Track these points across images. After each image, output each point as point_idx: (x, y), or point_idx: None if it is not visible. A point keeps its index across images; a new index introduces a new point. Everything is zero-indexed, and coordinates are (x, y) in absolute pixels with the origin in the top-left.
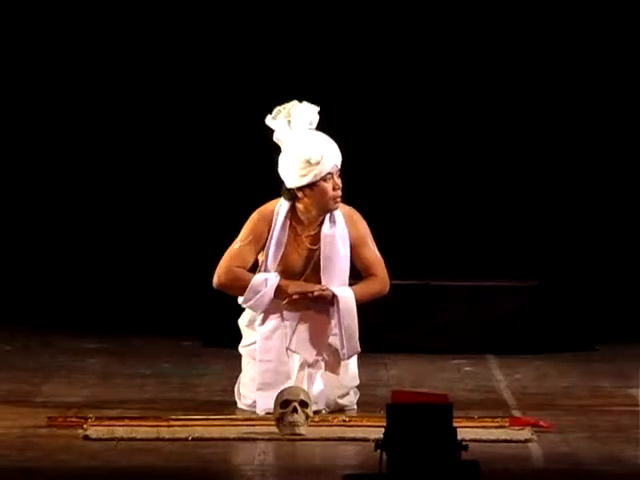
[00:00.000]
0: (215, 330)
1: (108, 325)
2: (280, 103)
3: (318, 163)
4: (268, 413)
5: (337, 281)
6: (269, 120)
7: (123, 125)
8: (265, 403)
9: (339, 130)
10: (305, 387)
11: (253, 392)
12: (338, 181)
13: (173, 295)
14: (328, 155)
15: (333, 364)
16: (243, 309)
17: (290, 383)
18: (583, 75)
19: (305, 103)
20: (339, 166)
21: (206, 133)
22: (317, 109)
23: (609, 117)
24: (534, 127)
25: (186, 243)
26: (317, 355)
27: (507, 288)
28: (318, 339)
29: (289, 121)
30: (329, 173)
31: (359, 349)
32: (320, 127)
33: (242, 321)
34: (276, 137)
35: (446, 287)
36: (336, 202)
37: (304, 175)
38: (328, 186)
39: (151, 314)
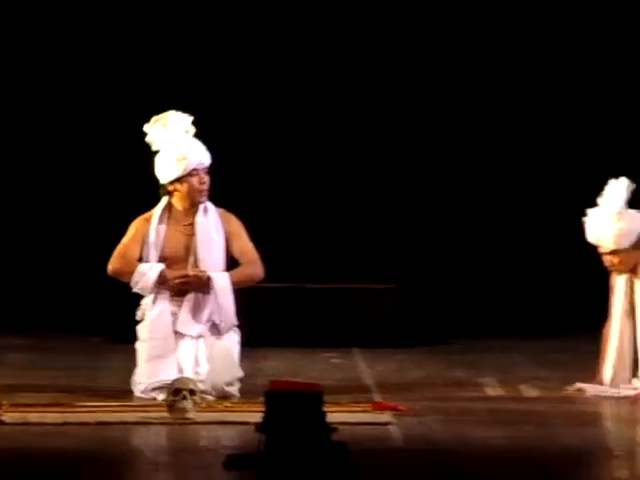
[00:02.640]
0: (120, 328)
1: (27, 323)
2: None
3: (184, 159)
4: (156, 389)
5: (213, 264)
6: (147, 126)
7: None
8: (153, 375)
9: (218, 144)
10: (191, 359)
11: (146, 378)
12: (205, 177)
13: (84, 296)
14: (192, 153)
15: (214, 337)
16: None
17: (175, 356)
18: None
19: (180, 113)
20: (205, 164)
21: (99, 147)
22: (191, 118)
23: (460, 123)
24: (388, 134)
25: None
26: (200, 331)
27: (371, 290)
28: (199, 318)
29: (165, 127)
30: (195, 169)
31: (235, 322)
32: (205, 141)
33: (140, 324)
34: (149, 139)
35: (318, 289)
36: (202, 195)
37: (173, 170)
38: (194, 180)
39: (65, 313)
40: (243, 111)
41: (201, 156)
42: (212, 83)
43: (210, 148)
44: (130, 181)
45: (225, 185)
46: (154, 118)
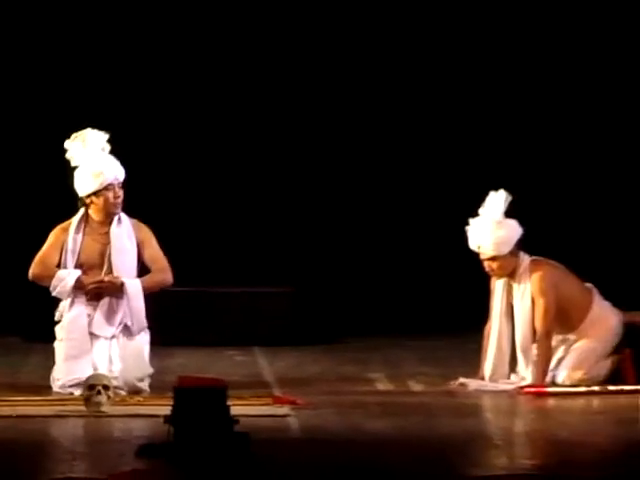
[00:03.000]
0: (36, 328)
1: None
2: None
3: (100, 174)
4: (73, 386)
5: (126, 271)
6: (67, 143)
7: None
8: (70, 373)
9: (131, 159)
10: (105, 358)
11: (64, 375)
12: (119, 191)
13: (2, 298)
14: (108, 169)
15: (126, 338)
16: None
17: (90, 356)
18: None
19: (97, 130)
20: (120, 179)
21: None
22: (107, 136)
23: (348, 132)
24: (283, 142)
25: (18, 257)
26: (113, 332)
27: (270, 293)
28: (113, 320)
29: (84, 144)
30: (110, 184)
31: (145, 325)
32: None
33: (58, 325)
34: (69, 155)
35: (221, 293)
36: (116, 207)
37: (90, 184)
38: (110, 194)
39: None
40: (153, 130)
41: (116, 172)
42: (127, 104)
43: (124, 163)
44: (50, 193)
45: (136, 196)
46: (73, 135)
